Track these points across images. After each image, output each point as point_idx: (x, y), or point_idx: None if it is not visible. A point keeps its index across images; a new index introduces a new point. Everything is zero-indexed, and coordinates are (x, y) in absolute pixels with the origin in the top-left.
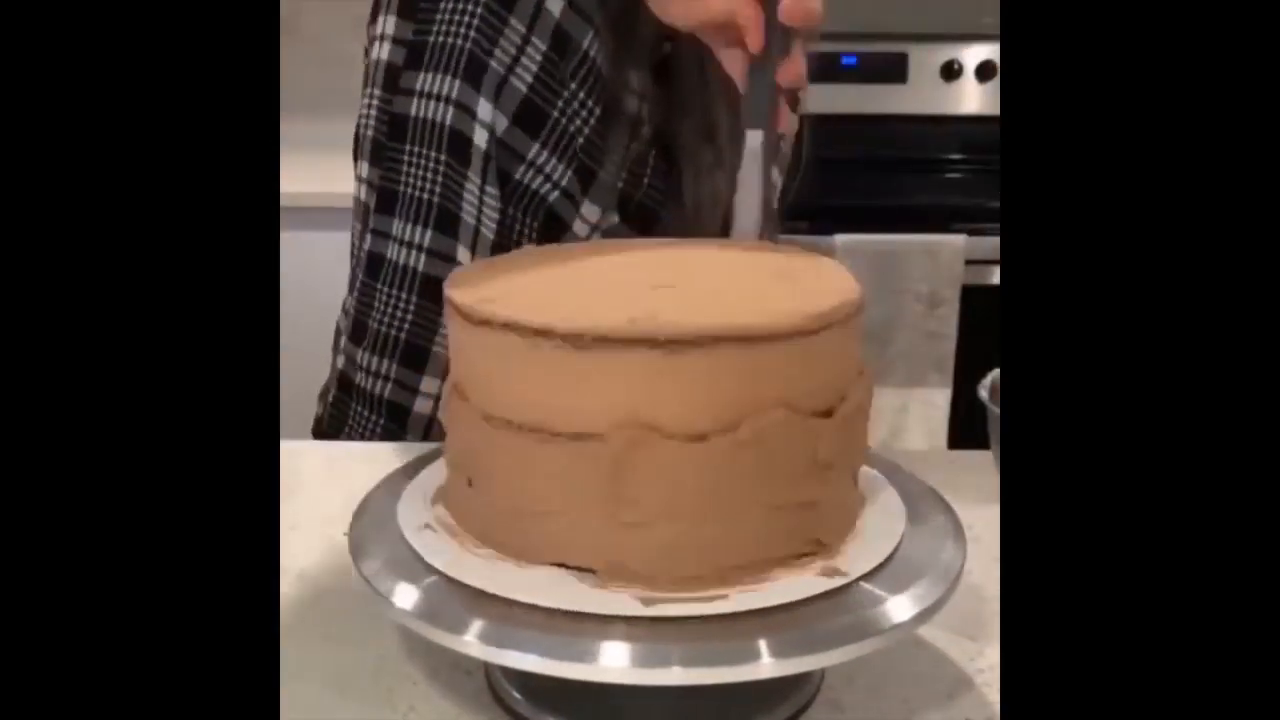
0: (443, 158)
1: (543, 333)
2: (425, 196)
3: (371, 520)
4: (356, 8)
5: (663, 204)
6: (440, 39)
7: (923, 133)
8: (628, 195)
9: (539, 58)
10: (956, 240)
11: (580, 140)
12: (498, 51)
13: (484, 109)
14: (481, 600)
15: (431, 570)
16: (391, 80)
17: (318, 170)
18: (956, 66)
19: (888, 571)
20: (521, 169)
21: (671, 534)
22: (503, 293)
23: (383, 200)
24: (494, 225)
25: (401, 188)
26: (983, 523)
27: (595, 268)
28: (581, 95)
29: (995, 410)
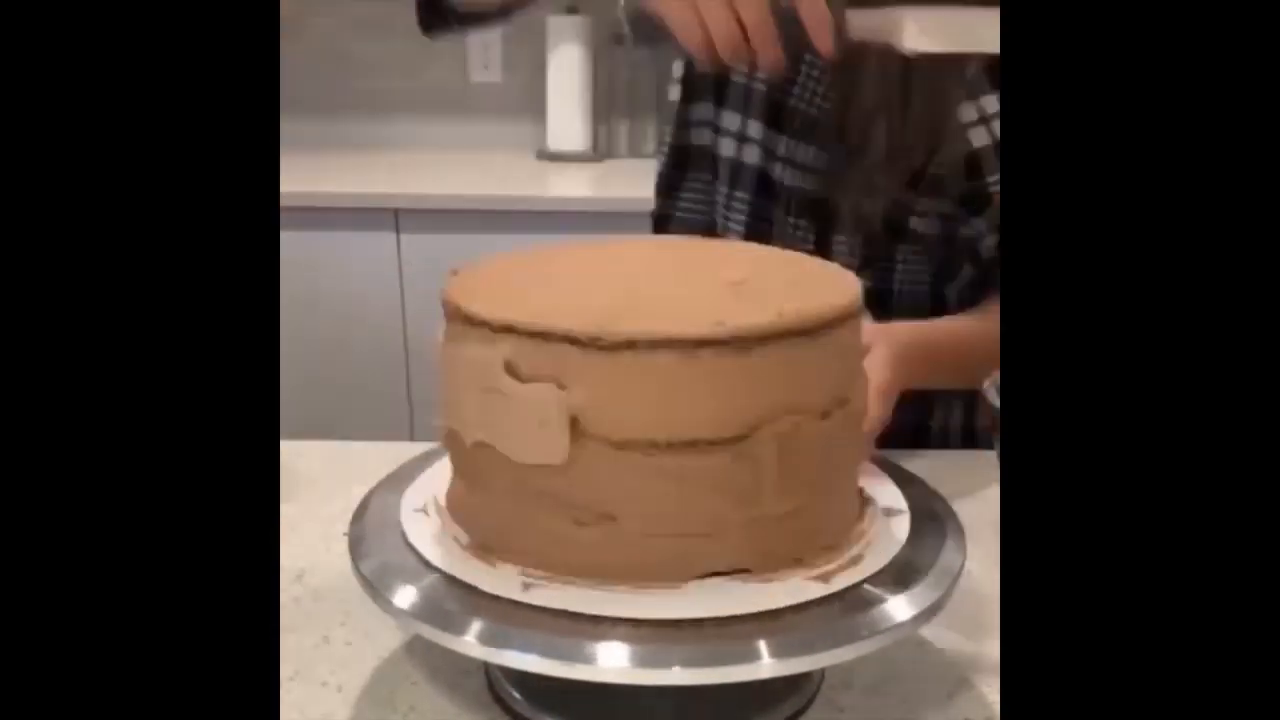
0: (707, 177)
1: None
2: (693, 218)
3: (371, 520)
4: (356, 8)
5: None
6: (695, 66)
7: None
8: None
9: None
10: None
11: (817, 113)
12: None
13: (729, 120)
14: (481, 600)
15: (431, 570)
16: (675, 116)
17: (318, 170)
18: None
19: (888, 571)
20: (779, 168)
21: (686, 537)
22: (511, 298)
23: (658, 228)
24: (741, 229)
25: (676, 213)
26: (983, 523)
27: (607, 270)
28: (815, 73)
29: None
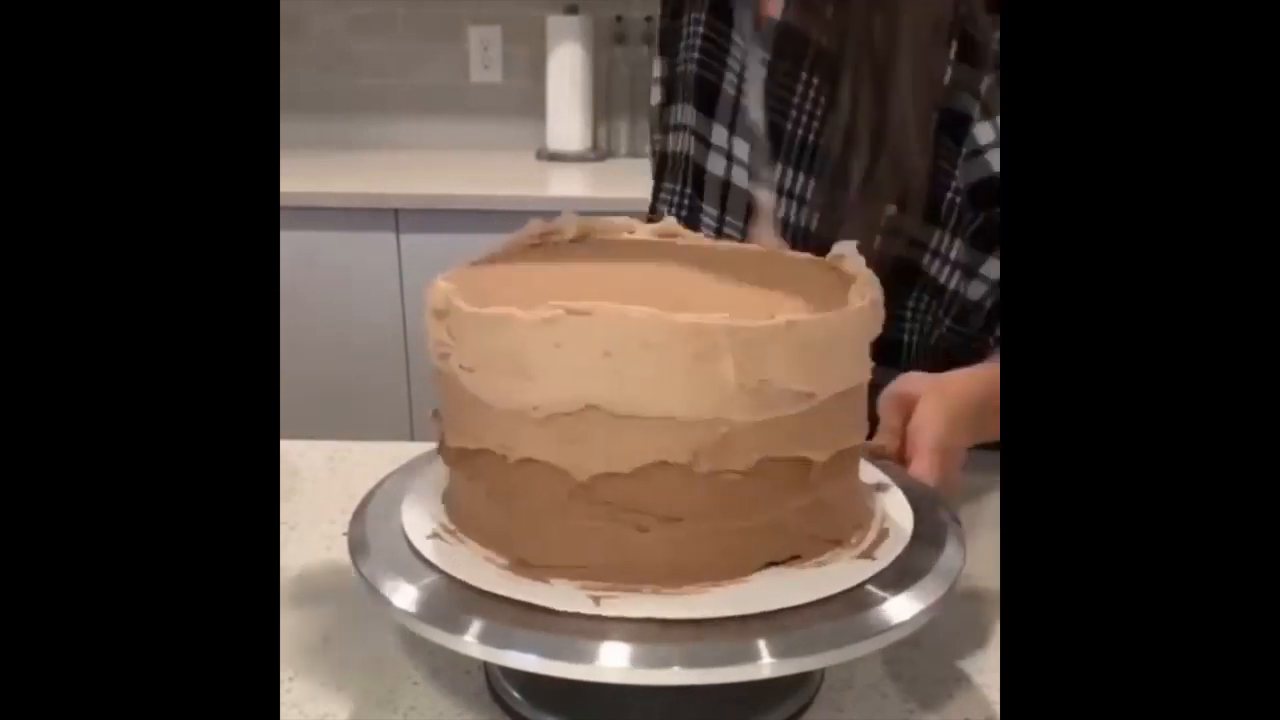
0: (687, 190)
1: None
2: None
3: (371, 520)
4: (356, 8)
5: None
6: (680, 68)
7: None
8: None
9: (762, 70)
10: None
11: (816, 139)
12: (727, 73)
13: (718, 133)
14: (481, 600)
15: (431, 570)
16: (660, 119)
17: (318, 170)
18: None
19: (888, 571)
20: (765, 195)
21: (676, 536)
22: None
23: None
24: None
25: None
26: (983, 523)
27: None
28: (811, 94)
29: None
